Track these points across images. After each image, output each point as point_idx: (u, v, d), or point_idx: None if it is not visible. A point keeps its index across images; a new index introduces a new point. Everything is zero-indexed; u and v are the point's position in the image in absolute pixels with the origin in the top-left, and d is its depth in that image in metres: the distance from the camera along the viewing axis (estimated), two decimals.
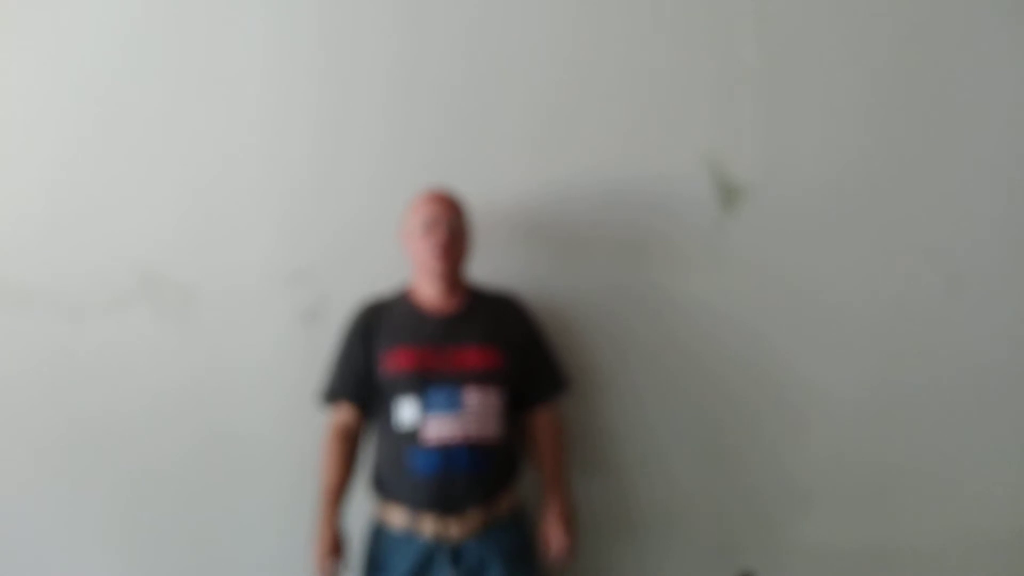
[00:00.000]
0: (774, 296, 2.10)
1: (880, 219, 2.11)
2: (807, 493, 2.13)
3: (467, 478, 1.71)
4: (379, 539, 1.79)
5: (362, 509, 1.86)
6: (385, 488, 1.78)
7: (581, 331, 2.08)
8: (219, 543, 2.05)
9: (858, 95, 2.09)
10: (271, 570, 2.04)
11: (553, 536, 1.83)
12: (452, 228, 1.80)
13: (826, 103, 2.09)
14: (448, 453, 1.70)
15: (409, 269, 1.87)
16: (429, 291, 1.83)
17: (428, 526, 1.72)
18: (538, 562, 1.83)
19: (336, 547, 1.76)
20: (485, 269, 1.98)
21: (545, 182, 2.06)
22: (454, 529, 1.72)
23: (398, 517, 1.75)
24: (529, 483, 1.90)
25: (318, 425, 1.88)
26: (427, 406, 1.72)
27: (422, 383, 1.74)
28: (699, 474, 2.12)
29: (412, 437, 1.72)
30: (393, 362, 1.77)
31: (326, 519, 1.78)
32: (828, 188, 2.09)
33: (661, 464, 2.11)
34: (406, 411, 1.74)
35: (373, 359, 1.80)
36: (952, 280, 2.12)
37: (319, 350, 1.95)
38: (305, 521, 1.86)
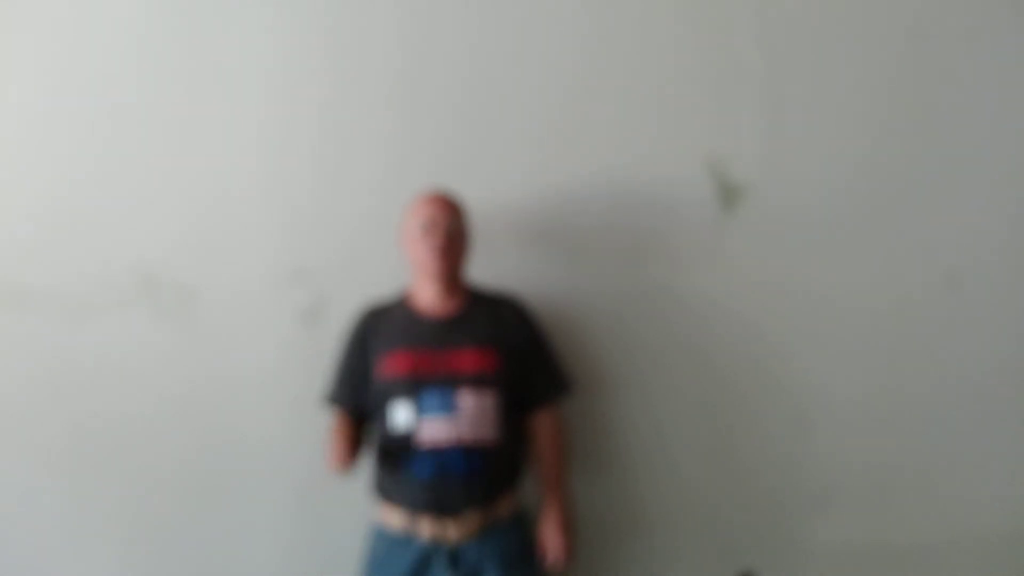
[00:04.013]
0: (775, 296, 2.10)
1: (880, 219, 2.10)
2: (812, 493, 2.13)
3: (462, 480, 1.71)
4: (378, 540, 1.79)
5: (362, 511, 1.86)
6: (384, 490, 1.79)
7: (583, 332, 2.08)
8: (220, 544, 2.06)
9: (858, 95, 2.09)
10: (273, 573, 2.04)
11: (550, 540, 1.82)
12: (450, 229, 1.80)
13: (826, 103, 2.09)
14: (442, 456, 1.70)
15: (410, 271, 1.87)
16: (428, 293, 1.83)
17: (426, 528, 1.72)
18: (537, 566, 1.82)
19: (353, 448, 1.71)
20: (487, 271, 1.98)
21: (547, 184, 2.06)
22: (452, 531, 1.72)
23: (396, 519, 1.75)
24: (532, 486, 1.89)
25: (320, 427, 1.88)
26: (421, 409, 1.72)
27: (416, 386, 1.73)
28: (704, 474, 2.12)
29: (407, 440, 1.72)
30: (389, 366, 1.77)
31: (341, 431, 1.74)
32: (828, 188, 2.09)
33: (666, 464, 2.11)
34: (401, 414, 1.73)
35: (371, 364, 1.80)
36: (952, 280, 2.11)
37: (321, 352, 1.95)
38: (309, 524, 1.86)
